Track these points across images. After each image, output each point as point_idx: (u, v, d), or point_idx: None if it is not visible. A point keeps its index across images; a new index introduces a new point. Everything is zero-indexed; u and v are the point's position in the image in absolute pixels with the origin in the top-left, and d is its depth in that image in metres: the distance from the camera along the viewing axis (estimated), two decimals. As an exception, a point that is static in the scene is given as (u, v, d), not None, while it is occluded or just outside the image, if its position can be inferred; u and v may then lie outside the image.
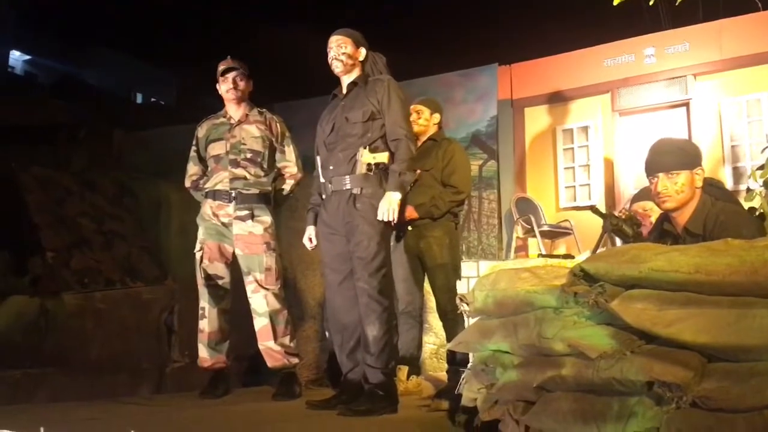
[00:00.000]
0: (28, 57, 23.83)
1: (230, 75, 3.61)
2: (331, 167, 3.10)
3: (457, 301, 2.30)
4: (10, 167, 4.55)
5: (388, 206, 2.88)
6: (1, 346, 3.63)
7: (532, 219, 6.07)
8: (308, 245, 3.27)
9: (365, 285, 2.93)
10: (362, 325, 2.95)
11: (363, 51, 3.18)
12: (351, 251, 3.00)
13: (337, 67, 3.15)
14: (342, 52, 3.12)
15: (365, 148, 3.00)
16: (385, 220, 2.89)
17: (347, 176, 3.02)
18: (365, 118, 3.04)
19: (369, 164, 2.99)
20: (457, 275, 3.71)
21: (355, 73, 3.17)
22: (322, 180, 3.16)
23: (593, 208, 3.32)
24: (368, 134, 3.03)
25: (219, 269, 3.53)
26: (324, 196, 3.14)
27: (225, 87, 3.62)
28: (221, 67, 3.64)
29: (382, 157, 3.00)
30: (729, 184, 5.56)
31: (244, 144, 3.56)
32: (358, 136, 3.03)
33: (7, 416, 2.79)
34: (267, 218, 3.54)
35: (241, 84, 3.62)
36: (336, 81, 3.24)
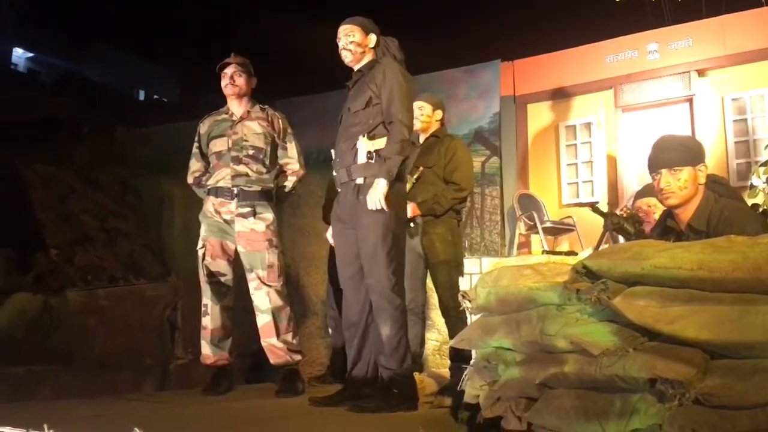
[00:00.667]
0: (30, 54, 23.85)
1: (228, 71, 3.62)
2: (338, 160, 3.06)
3: (459, 298, 2.30)
4: (13, 165, 4.56)
5: (374, 194, 2.79)
6: (5, 344, 3.65)
7: (535, 216, 6.06)
8: (331, 242, 3.22)
9: (374, 281, 2.86)
10: (376, 323, 2.89)
11: (373, 37, 3.09)
12: (358, 247, 2.94)
13: (346, 57, 3.08)
14: (350, 41, 3.05)
15: (364, 136, 2.92)
16: (374, 209, 2.80)
17: (351, 167, 2.96)
18: (364, 106, 2.96)
19: (369, 152, 2.90)
20: (460, 272, 3.70)
21: (366, 61, 3.09)
22: (334, 174, 3.11)
23: (593, 208, 3.31)
24: (369, 121, 2.95)
25: (221, 266, 3.53)
26: (339, 191, 3.09)
27: (223, 83, 3.63)
28: (220, 63, 3.65)
29: (381, 143, 2.90)
30: (733, 181, 5.54)
31: (246, 141, 3.56)
32: (360, 125, 2.96)
33: (11, 413, 2.79)
34: (269, 215, 3.54)
35: (239, 80, 3.61)
36: (340, 74, 3.22)
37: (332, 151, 3.15)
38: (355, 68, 3.11)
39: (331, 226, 3.23)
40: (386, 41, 3.14)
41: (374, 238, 2.86)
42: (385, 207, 2.79)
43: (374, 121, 2.94)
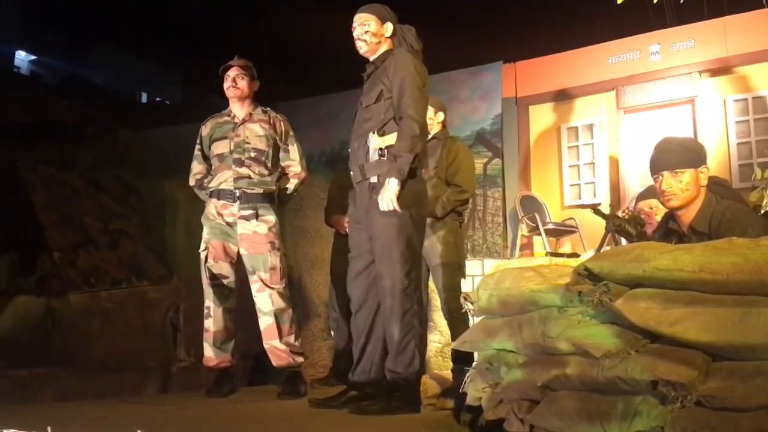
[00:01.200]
0: (33, 57, 23.93)
1: (231, 73, 3.62)
2: (352, 158, 2.97)
3: (462, 300, 2.30)
4: (15, 166, 4.57)
5: (385, 195, 2.69)
6: (9, 346, 3.66)
7: (537, 217, 6.06)
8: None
9: (387, 283, 2.77)
10: (385, 324, 2.83)
11: (389, 26, 2.95)
12: (372, 248, 2.86)
13: (361, 48, 2.95)
14: (365, 31, 2.91)
15: (374, 132, 2.81)
16: (386, 210, 2.71)
17: (364, 165, 2.85)
18: (375, 100, 2.85)
19: (380, 149, 2.79)
20: (462, 274, 3.70)
21: (382, 51, 2.95)
22: (351, 173, 3.00)
23: (595, 210, 3.31)
24: (381, 116, 2.82)
25: (224, 269, 3.54)
26: (356, 190, 2.99)
27: (225, 85, 3.63)
28: (223, 66, 3.65)
29: (391, 138, 2.78)
30: (735, 182, 5.54)
31: (249, 143, 3.56)
32: (372, 120, 2.85)
33: (15, 415, 2.80)
34: (271, 217, 3.54)
35: (242, 83, 3.61)
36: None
37: (349, 150, 3.07)
38: (371, 59, 2.97)
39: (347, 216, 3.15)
40: (403, 30, 2.99)
41: (388, 238, 2.77)
42: (397, 208, 2.71)
43: (386, 116, 2.82)
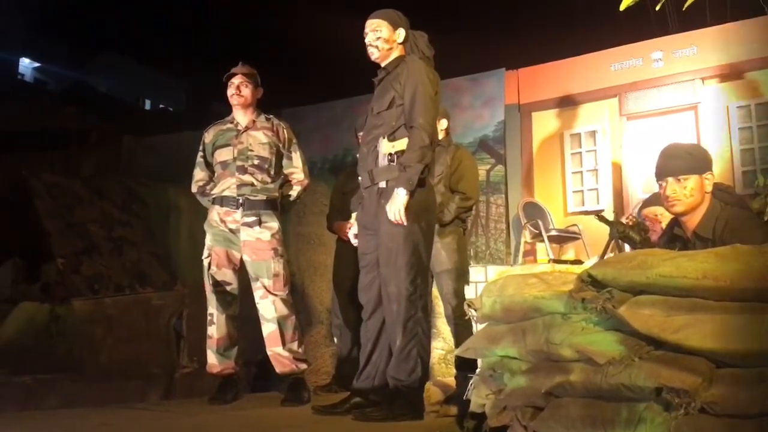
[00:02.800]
0: (37, 64, 24.05)
1: (235, 80, 3.63)
2: (361, 163, 2.97)
3: (465, 306, 2.30)
4: (20, 174, 4.59)
5: (393, 205, 2.69)
6: (13, 352, 3.66)
7: (540, 224, 6.06)
8: (354, 242, 3.09)
9: (392, 289, 2.76)
10: (389, 332, 2.82)
11: (401, 32, 2.94)
12: (378, 253, 2.85)
13: (372, 54, 2.94)
14: (377, 38, 2.91)
15: (384, 137, 2.82)
16: (394, 221, 2.72)
17: (373, 170, 2.86)
18: (386, 107, 2.85)
19: (390, 154, 2.80)
20: (465, 280, 3.71)
21: (393, 57, 2.94)
22: (359, 178, 3.01)
23: (599, 216, 3.32)
24: (392, 123, 2.82)
25: (227, 275, 3.54)
26: (363, 195, 2.98)
27: (229, 92, 3.64)
28: (227, 74, 3.67)
29: (402, 144, 2.78)
30: (738, 189, 5.53)
31: (252, 150, 3.57)
32: (383, 126, 2.85)
33: (19, 422, 2.81)
34: (274, 224, 3.55)
35: (246, 90, 3.62)
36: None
37: (358, 155, 3.06)
38: (382, 65, 2.96)
39: (355, 225, 3.15)
40: (415, 36, 2.98)
41: (394, 245, 2.77)
42: (404, 220, 2.71)
43: (397, 122, 2.82)
